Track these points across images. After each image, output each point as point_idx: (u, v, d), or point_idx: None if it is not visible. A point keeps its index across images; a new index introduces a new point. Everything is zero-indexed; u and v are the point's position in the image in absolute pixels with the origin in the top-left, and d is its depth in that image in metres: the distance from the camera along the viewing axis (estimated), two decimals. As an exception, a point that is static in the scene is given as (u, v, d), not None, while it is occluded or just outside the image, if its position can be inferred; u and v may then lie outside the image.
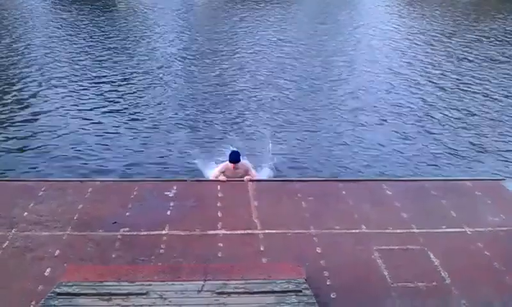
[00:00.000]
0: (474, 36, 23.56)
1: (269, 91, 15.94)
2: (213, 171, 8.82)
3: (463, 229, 7.05)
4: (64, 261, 6.14)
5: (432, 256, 6.45)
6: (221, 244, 6.57)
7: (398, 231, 6.97)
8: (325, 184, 8.47)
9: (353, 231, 6.95)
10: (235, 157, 8.35)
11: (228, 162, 8.44)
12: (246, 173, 8.41)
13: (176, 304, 4.81)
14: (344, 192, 7.94)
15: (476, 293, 5.85)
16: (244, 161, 8.55)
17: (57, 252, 6.37)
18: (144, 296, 4.94)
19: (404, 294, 5.79)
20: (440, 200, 7.81)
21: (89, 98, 15.03)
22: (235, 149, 8.95)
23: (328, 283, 5.89)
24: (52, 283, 5.50)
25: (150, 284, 5.17)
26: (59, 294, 4.93)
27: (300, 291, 5.04)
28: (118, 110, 14.17)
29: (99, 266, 5.88)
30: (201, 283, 5.22)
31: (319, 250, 6.50)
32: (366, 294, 5.78)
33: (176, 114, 13.90)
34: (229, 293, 4.99)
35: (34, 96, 15.10)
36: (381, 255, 6.41)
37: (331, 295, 5.70)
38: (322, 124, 13.56)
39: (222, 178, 8.25)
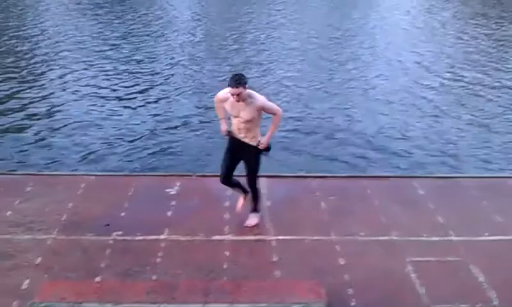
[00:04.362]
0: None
1: (286, 81, 15.00)
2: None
3: (511, 238, 6.04)
4: (45, 272, 5.38)
5: (474, 270, 5.48)
6: (227, 253, 5.68)
7: (434, 238, 6.01)
8: (347, 181, 7.47)
9: (381, 238, 6.00)
10: (234, 80, 5.42)
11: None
12: (257, 111, 5.64)
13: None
14: (369, 191, 6.98)
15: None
16: (252, 92, 5.62)
17: (38, 259, 5.55)
18: (129, 324, 4.06)
19: (444, 319, 4.85)
20: (480, 201, 6.82)
21: (91, 85, 14.27)
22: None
23: (352, 304, 4.96)
24: (28, 298, 4.71)
25: (138, 307, 4.29)
26: (26, 321, 4.07)
27: (320, 320, 4.11)
28: (121, 99, 13.35)
29: (80, 282, 5.01)
30: (201, 306, 4.32)
31: (341, 261, 5.56)
32: (399, 318, 4.85)
33: (185, 104, 13.01)
34: (233, 323, 4.09)
35: (30, 82, 14.35)
36: (415, 268, 5.45)
37: (357, 320, 4.78)
38: (344, 114, 12.53)
39: (226, 106, 5.75)
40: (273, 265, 5.50)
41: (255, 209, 6.21)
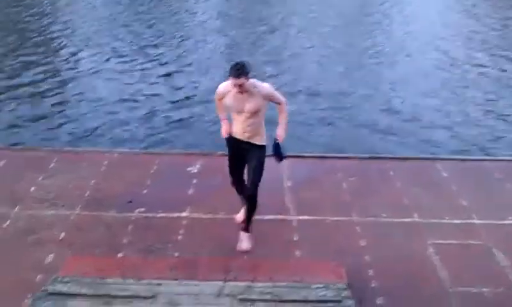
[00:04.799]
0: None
1: (309, 60, 14.89)
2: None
3: (535, 222, 5.96)
4: (69, 247, 5.44)
5: (497, 254, 5.41)
6: (247, 232, 5.67)
7: (456, 221, 5.94)
8: (369, 162, 7.39)
9: (403, 220, 5.95)
10: (236, 69, 4.80)
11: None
12: (264, 101, 5.01)
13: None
14: (391, 173, 6.92)
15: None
16: (256, 81, 5.00)
17: (62, 235, 5.63)
18: (150, 300, 4.10)
19: (465, 301, 4.80)
20: (504, 184, 6.72)
21: (114, 62, 14.34)
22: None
23: (373, 285, 4.94)
24: (52, 272, 4.75)
25: (159, 284, 4.32)
26: (50, 294, 4.13)
27: (340, 301, 4.10)
28: (145, 76, 13.40)
29: (103, 258, 5.08)
30: (221, 283, 4.34)
31: (362, 243, 5.54)
32: (419, 300, 4.81)
33: (209, 83, 12.91)
34: (253, 301, 4.10)
35: (55, 60, 14.45)
36: (436, 251, 5.40)
37: (377, 301, 4.76)
38: (367, 94, 12.37)
39: (228, 101, 5.07)
40: (293, 244, 5.49)
41: (247, 228, 5.41)
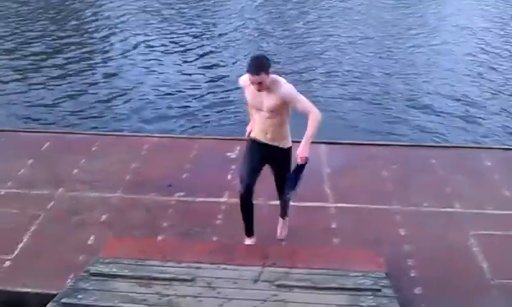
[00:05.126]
0: None
1: (348, 46, 14.62)
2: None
3: None
4: (110, 228, 5.54)
5: (543, 247, 5.26)
6: (286, 218, 5.67)
7: (499, 212, 5.79)
8: (410, 150, 7.27)
9: (445, 209, 5.84)
10: (254, 65, 4.33)
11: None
12: (282, 100, 4.44)
13: (226, 297, 3.99)
14: (433, 161, 6.79)
15: None
16: (277, 78, 4.48)
17: (104, 217, 5.75)
18: (189, 283, 4.16)
19: (507, 294, 4.68)
20: (551, 175, 6.51)
21: (155, 47, 14.34)
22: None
23: (412, 275, 4.88)
24: (93, 253, 4.88)
25: (198, 267, 4.39)
26: (92, 274, 4.24)
27: (379, 290, 4.07)
28: (185, 62, 13.39)
29: (144, 240, 5.17)
30: (259, 269, 4.37)
31: (402, 232, 5.46)
32: (459, 291, 4.71)
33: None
34: (291, 287, 4.11)
35: (95, 46, 14.60)
36: (478, 242, 5.28)
37: (416, 291, 4.69)
38: (408, 81, 12.11)
39: (247, 95, 4.67)
40: (331, 232, 5.46)
41: (285, 214, 5.25)
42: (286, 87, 4.42)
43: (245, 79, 4.54)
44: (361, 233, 5.44)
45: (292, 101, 4.44)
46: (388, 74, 12.52)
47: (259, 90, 4.40)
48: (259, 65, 4.30)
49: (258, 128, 4.69)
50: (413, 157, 6.95)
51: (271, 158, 4.73)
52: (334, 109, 10.32)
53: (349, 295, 4.02)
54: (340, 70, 12.66)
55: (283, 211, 5.21)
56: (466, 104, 10.86)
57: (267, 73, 4.34)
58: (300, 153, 4.48)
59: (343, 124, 9.61)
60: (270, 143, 4.66)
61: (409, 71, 12.73)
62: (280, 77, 4.49)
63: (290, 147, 4.72)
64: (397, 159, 6.85)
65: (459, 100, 11.07)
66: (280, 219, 5.30)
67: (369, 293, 4.04)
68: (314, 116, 4.40)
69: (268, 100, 4.45)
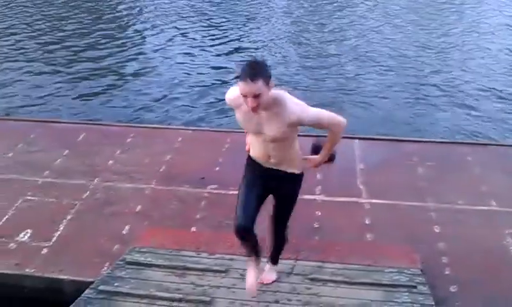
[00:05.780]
0: None
1: (383, 41, 14.47)
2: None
3: None
4: (144, 219, 5.60)
5: None
6: (318, 212, 5.65)
7: (537, 211, 5.67)
8: (446, 147, 7.15)
9: (480, 208, 5.74)
10: (250, 70, 3.19)
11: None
12: (290, 127, 3.40)
13: (259, 289, 4.00)
14: (469, 158, 6.67)
15: None
16: (281, 95, 3.36)
17: (138, 207, 5.81)
18: (223, 274, 4.19)
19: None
20: None
21: (195, 46, 14.38)
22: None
23: (446, 272, 4.80)
24: (128, 244, 4.96)
25: (231, 259, 4.41)
26: (128, 263, 4.30)
27: (414, 286, 4.03)
28: (218, 55, 13.44)
29: (179, 231, 5.21)
30: (292, 262, 4.37)
31: (437, 229, 5.39)
32: (494, 290, 4.61)
33: (282, 62, 12.88)
34: (324, 281, 4.11)
35: (129, 40, 14.69)
36: (515, 241, 5.19)
37: (451, 289, 4.61)
38: (445, 77, 11.89)
39: (238, 116, 3.54)
40: (365, 227, 5.42)
41: (276, 260, 4.25)
42: (294, 107, 3.34)
43: (234, 94, 3.41)
44: (395, 229, 5.38)
45: (311, 121, 3.40)
46: (424, 70, 12.32)
47: (255, 110, 3.24)
48: (257, 70, 3.18)
49: (259, 151, 3.65)
50: (449, 154, 6.84)
51: (275, 187, 3.78)
52: (370, 104, 10.25)
53: (384, 291, 3.99)
54: (376, 66, 12.52)
55: (275, 253, 4.20)
56: (503, 102, 10.64)
57: (267, 84, 3.22)
58: (313, 161, 3.76)
59: (378, 119, 9.51)
60: (275, 168, 3.69)
61: (446, 68, 12.49)
62: (284, 92, 3.40)
63: (302, 173, 3.81)
64: (432, 156, 6.74)
65: (496, 97, 10.84)
66: (267, 265, 4.24)
67: (404, 289, 4.00)
68: (339, 125, 3.50)
69: (270, 126, 3.38)
